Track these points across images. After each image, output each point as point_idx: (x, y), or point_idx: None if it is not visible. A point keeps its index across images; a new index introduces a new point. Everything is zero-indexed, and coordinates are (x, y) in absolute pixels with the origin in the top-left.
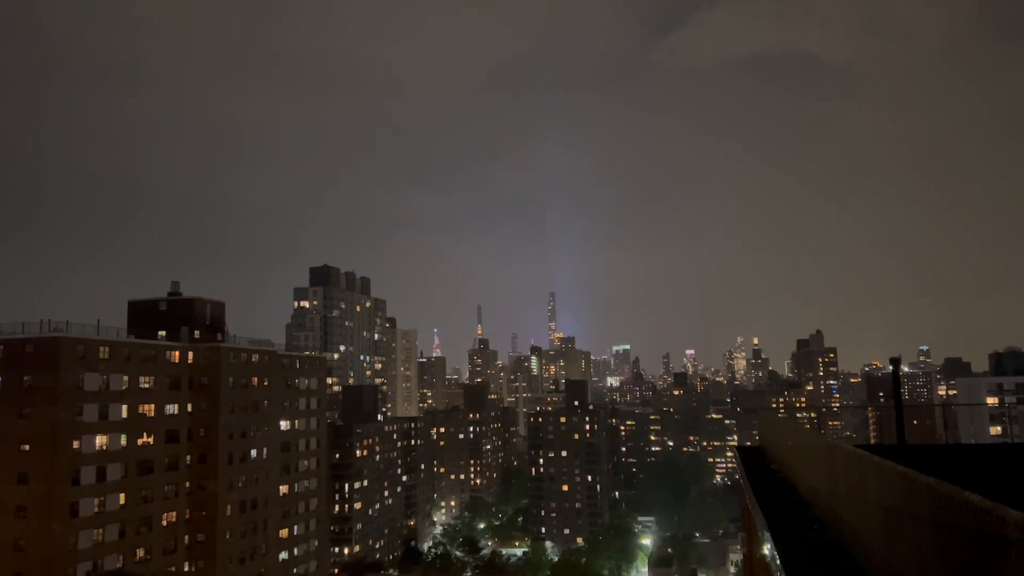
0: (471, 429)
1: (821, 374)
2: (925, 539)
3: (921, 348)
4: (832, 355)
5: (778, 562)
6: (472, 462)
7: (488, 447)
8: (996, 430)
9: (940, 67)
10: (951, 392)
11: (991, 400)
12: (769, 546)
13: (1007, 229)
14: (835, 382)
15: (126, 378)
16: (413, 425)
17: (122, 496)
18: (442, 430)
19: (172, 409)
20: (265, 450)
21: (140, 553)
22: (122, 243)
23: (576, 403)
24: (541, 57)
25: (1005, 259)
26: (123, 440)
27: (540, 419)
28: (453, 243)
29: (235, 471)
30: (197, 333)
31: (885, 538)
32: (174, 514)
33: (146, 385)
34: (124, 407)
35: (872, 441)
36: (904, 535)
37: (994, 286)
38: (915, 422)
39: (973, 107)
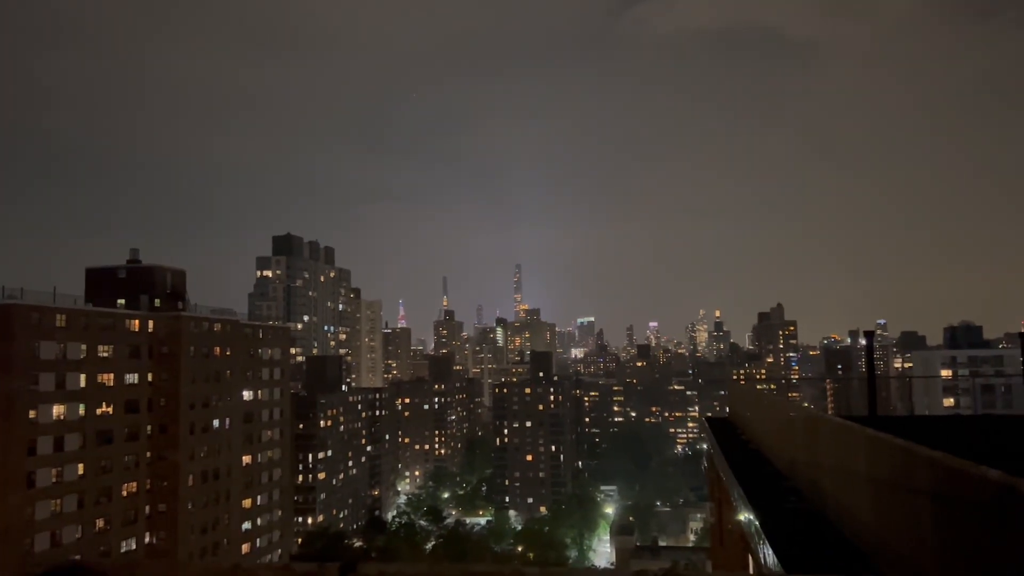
0: (436, 400)
1: (781, 346)
2: (924, 513)
3: (878, 322)
4: (792, 328)
5: (760, 533)
6: (437, 433)
7: (453, 418)
8: (949, 402)
9: (899, 45)
10: (907, 365)
11: (945, 372)
12: (748, 517)
13: (963, 206)
14: (795, 354)
15: (84, 347)
16: (378, 396)
17: (80, 466)
18: (407, 401)
19: (132, 379)
20: (228, 420)
21: (99, 524)
22: (79, 209)
23: (541, 374)
24: (508, 26)
25: (960, 235)
26: (81, 410)
27: (505, 390)
28: (419, 214)
29: (197, 441)
30: (157, 302)
31: (876, 511)
32: (134, 484)
33: (105, 354)
34: (82, 376)
35: (829, 412)
36: (899, 509)
37: (949, 261)
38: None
39: (930, 85)
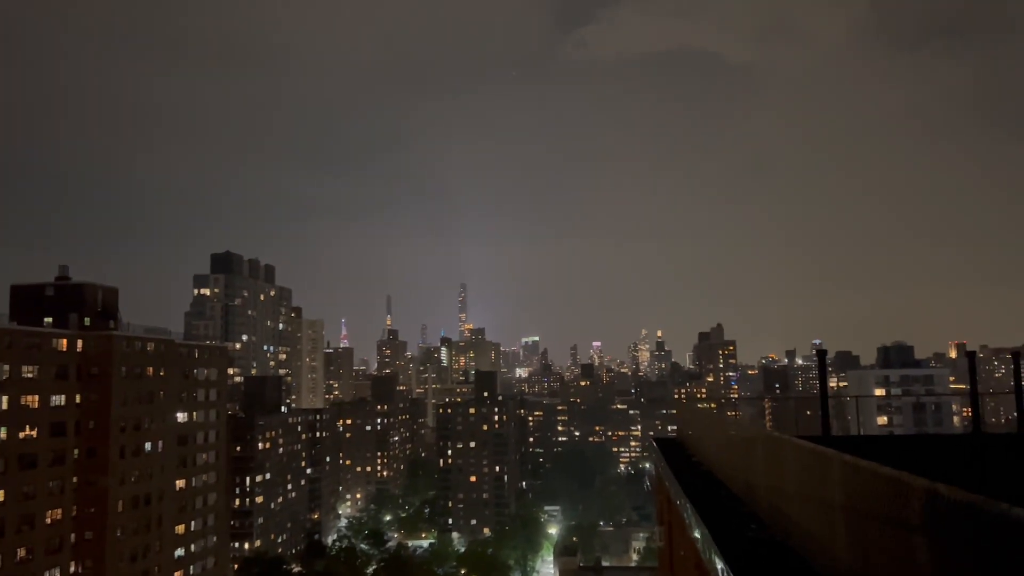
0: (378, 421)
1: (721, 366)
2: (919, 551)
3: (814, 342)
4: (731, 348)
5: (722, 563)
6: (379, 454)
7: (395, 439)
8: (883, 420)
9: (835, 71)
10: (842, 384)
11: (879, 391)
12: (705, 545)
13: (895, 228)
14: (734, 374)
15: (7, 367)
16: (318, 417)
17: (0, 493)
18: (348, 422)
19: (59, 400)
20: (160, 443)
21: (21, 553)
22: (4, 223)
23: (485, 394)
24: (450, 46)
25: (892, 257)
26: (3, 433)
27: (449, 410)
28: (362, 232)
29: (127, 465)
30: (87, 320)
31: (854, 545)
32: (59, 511)
33: (29, 375)
34: (4, 398)
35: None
36: (887, 544)
37: (882, 283)
38: (808, 412)
39: (866, 110)
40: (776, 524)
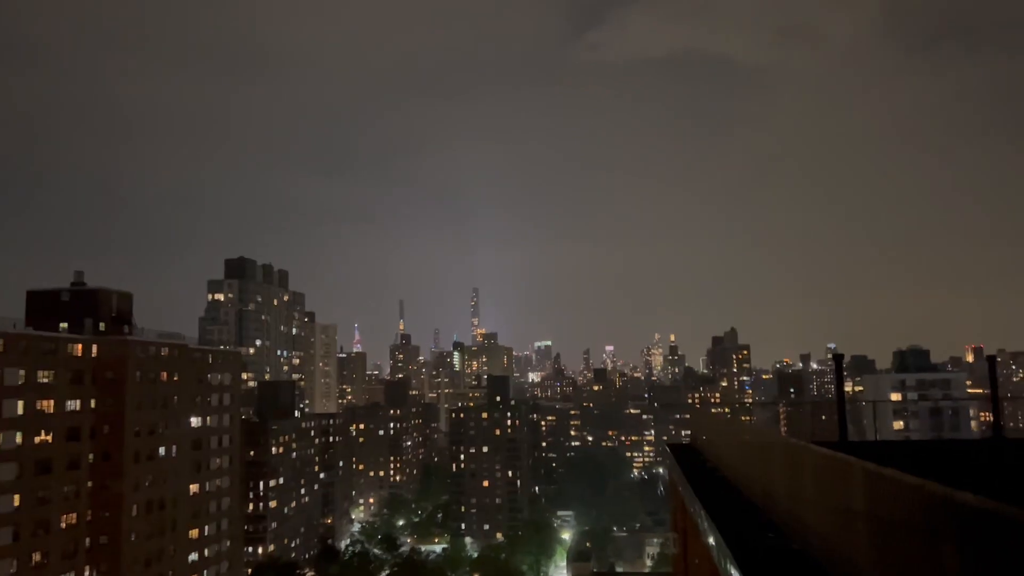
0: (391, 425)
1: (735, 370)
2: (944, 559)
3: (829, 346)
4: (745, 352)
5: (735, 571)
6: (392, 459)
7: (408, 443)
8: (899, 425)
9: (848, 73)
10: (857, 388)
11: (895, 396)
12: (721, 553)
13: (909, 231)
14: (748, 378)
15: (23, 372)
16: (331, 421)
17: (16, 498)
18: (362, 426)
19: (74, 405)
20: (174, 448)
21: (36, 557)
22: (19, 229)
23: (498, 399)
24: (461, 50)
25: (907, 261)
26: (19, 438)
27: (461, 415)
28: (375, 237)
29: (142, 470)
30: (102, 326)
31: (875, 553)
32: (74, 516)
33: (45, 380)
34: (20, 403)
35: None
36: (908, 552)
37: (897, 287)
38: (823, 417)
39: (879, 109)
40: (794, 532)
